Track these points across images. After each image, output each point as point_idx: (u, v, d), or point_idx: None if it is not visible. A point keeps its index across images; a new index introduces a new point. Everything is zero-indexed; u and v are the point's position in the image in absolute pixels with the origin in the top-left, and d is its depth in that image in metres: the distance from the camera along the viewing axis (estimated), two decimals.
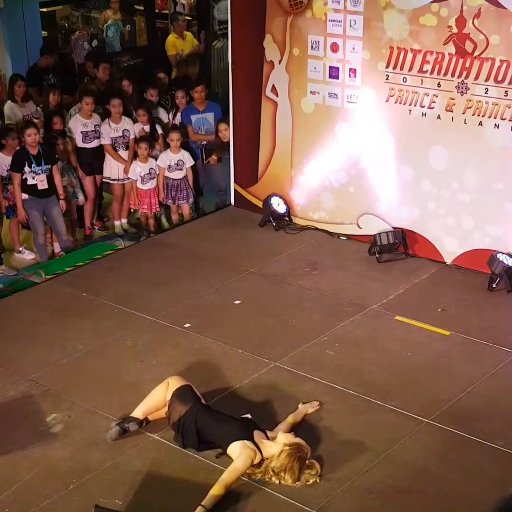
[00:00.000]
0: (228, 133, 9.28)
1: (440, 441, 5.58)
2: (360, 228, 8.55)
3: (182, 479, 5.24)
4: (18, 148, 8.62)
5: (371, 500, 5.06)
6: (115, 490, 5.14)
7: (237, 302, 7.47)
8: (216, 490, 4.99)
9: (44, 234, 8.81)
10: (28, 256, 9.05)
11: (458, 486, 5.16)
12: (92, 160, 9.41)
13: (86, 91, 9.49)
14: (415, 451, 5.48)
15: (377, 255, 8.13)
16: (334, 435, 5.65)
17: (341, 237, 8.68)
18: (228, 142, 9.34)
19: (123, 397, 6.02)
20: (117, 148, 9.38)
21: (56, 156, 8.79)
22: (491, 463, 5.36)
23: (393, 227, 8.23)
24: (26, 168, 8.47)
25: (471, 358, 6.52)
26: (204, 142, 9.64)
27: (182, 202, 9.44)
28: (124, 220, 9.74)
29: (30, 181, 8.53)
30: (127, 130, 9.36)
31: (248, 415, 5.54)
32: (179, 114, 9.81)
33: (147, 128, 9.50)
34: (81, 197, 9.35)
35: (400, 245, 8.16)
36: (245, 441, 5.22)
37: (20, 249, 9.11)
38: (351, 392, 6.11)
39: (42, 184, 8.55)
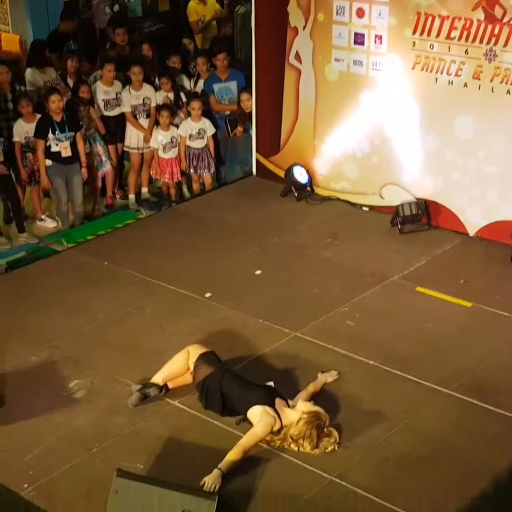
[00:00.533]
0: (250, 103, 9.21)
1: (459, 411, 5.58)
2: (382, 198, 8.49)
3: (202, 445, 5.28)
4: (41, 115, 8.62)
5: (388, 468, 5.08)
6: (136, 455, 5.19)
7: (258, 272, 7.46)
8: (233, 454, 5.02)
9: (67, 202, 8.83)
10: (50, 224, 9.10)
11: (477, 457, 5.16)
12: (115, 128, 9.39)
13: (108, 58, 9.44)
14: (434, 421, 5.48)
15: (399, 226, 8.08)
16: (353, 404, 5.66)
17: (363, 208, 8.63)
18: (250, 113, 9.28)
19: (144, 365, 6.05)
20: (137, 116, 9.34)
21: (80, 123, 8.78)
22: (510, 434, 5.34)
23: (416, 198, 8.16)
24: (50, 135, 8.47)
25: (492, 330, 6.50)
26: (228, 113, 9.57)
27: (203, 171, 9.40)
28: (144, 189, 9.71)
29: (53, 148, 8.53)
30: (147, 97, 9.31)
31: (271, 383, 5.56)
32: (201, 82, 9.74)
33: (171, 96, 9.45)
34: (108, 167, 9.33)
35: (423, 216, 8.10)
36: (266, 407, 5.25)
37: (42, 217, 9.15)
38: (371, 362, 6.11)
39: (66, 151, 8.56)
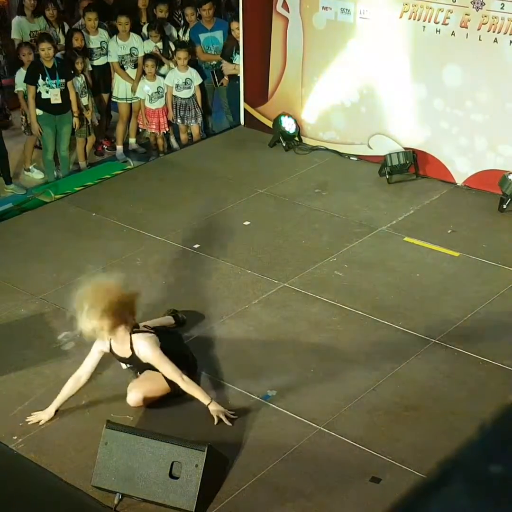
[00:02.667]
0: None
1: (447, 360, 5.63)
2: (370, 148, 8.46)
3: (191, 396, 5.31)
4: (32, 60, 8.53)
5: (377, 417, 5.14)
6: (126, 406, 5.21)
7: (247, 223, 7.46)
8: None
9: (53, 151, 8.77)
10: (37, 175, 9.02)
11: (464, 404, 5.23)
12: (98, 78, 9.26)
13: (88, 7, 9.26)
14: (422, 370, 5.54)
15: (387, 176, 8.07)
16: (342, 354, 5.71)
17: (351, 158, 8.61)
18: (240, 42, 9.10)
19: None
20: (125, 66, 9.22)
21: (72, 71, 8.64)
22: (497, 382, 5.41)
23: (404, 148, 8.14)
24: (40, 81, 8.38)
25: (480, 279, 6.53)
26: (214, 63, 9.46)
27: (191, 121, 9.32)
28: (132, 140, 9.65)
29: (44, 95, 8.45)
30: (135, 48, 9.18)
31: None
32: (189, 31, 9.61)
33: (159, 45, 9.32)
34: (95, 120, 9.20)
35: (411, 166, 8.09)
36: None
37: (30, 167, 9.07)
38: (359, 312, 6.14)
39: (55, 98, 8.45)
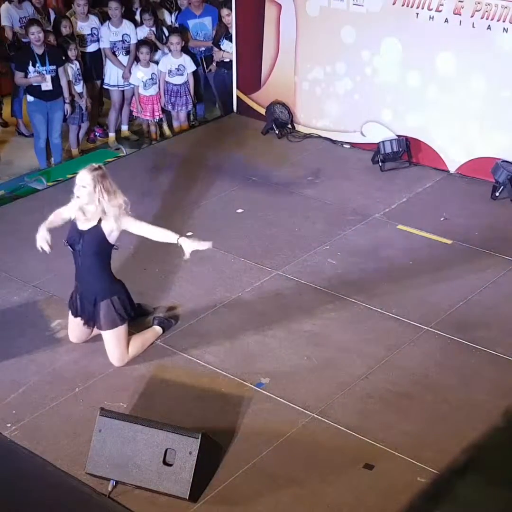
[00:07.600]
0: (230, 18, 9.02)
1: (439, 348, 5.65)
2: (364, 136, 8.46)
3: (184, 383, 5.33)
4: (22, 46, 8.48)
5: (370, 404, 5.15)
6: (119, 394, 5.23)
7: (240, 211, 7.45)
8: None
9: (45, 139, 8.73)
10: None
11: (457, 391, 5.25)
12: (90, 65, 9.22)
13: None
14: (414, 358, 5.55)
15: (380, 164, 8.07)
16: (335, 342, 5.72)
17: (344, 145, 8.60)
18: (230, 28, 9.08)
19: None
20: (116, 53, 9.18)
21: (63, 57, 8.58)
22: (489, 370, 5.44)
23: (397, 135, 8.14)
24: (30, 68, 8.32)
25: (472, 267, 6.55)
26: (203, 49, 9.43)
27: (181, 108, 9.29)
28: (125, 127, 9.62)
29: (35, 82, 8.39)
30: (127, 34, 9.13)
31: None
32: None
33: (150, 32, 9.27)
34: (87, 104, 9.16)
35: (404, 154, 8.10)
36: None
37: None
38: (352, 300, 6.15)
39: (46, 85, 8.39)
